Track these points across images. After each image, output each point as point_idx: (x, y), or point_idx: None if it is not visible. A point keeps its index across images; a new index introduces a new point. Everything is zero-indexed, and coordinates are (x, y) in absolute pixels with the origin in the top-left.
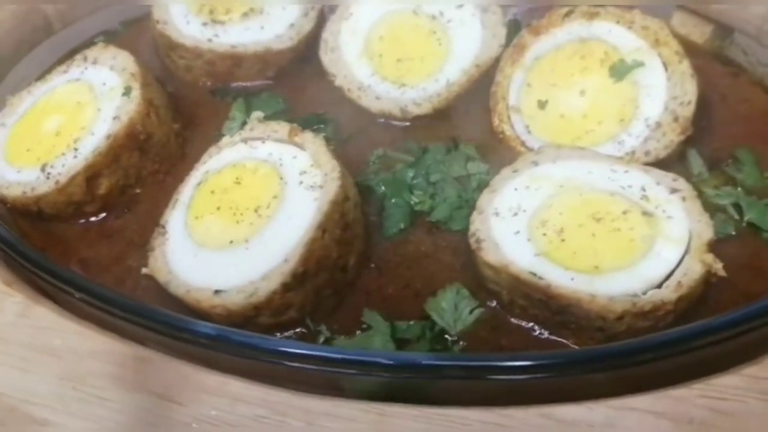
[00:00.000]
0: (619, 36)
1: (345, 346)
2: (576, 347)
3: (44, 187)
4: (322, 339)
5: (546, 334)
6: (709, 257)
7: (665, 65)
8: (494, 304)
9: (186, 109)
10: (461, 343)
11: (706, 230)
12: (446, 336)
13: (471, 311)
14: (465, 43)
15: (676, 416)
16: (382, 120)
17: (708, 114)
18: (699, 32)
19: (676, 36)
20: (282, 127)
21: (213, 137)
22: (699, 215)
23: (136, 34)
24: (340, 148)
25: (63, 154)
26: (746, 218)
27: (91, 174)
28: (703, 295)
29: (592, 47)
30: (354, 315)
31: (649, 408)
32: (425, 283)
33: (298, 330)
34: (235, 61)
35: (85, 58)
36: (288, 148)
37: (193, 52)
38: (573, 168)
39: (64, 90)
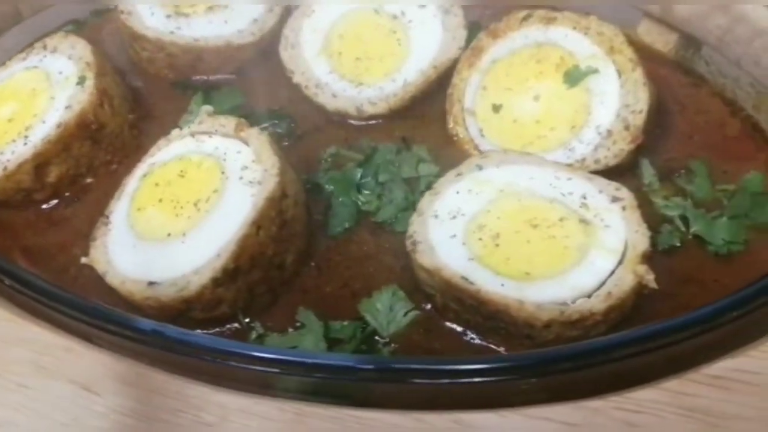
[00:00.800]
0: (575, 41)
1: (276, 342)
2: (505, 353)
3: None
4: (254, 335)
5: (477, 340)
6: (642, 268)
7: (619, 73)
8: (429, 307)
9: (145, 101)
10: (392, 345)
11: (642, 241)
12: (377, 338)
13: (405, 314)
14: (424, 44)
15: (591, 428)
16: (338, 118)
17: (665, 123)
18: (664, 41)
19: (638, 44)
20: (229, 122)
21: (169, 130)
22: (637, 225)
23: (105, 23)
24: (294, 146)
25: (13, 140)
26: (692, 230)
27: (40, 162)
28: (639, 306)
29: (548, 52)
30: (289, 313)
31: (565, 419)
32: (364, 283)
33: (232, 326)
34: (196, 54)
35: (45, 46)
36: (234, 143)
37: (155, 44)
38: (516, 173)
39: (21, 77)
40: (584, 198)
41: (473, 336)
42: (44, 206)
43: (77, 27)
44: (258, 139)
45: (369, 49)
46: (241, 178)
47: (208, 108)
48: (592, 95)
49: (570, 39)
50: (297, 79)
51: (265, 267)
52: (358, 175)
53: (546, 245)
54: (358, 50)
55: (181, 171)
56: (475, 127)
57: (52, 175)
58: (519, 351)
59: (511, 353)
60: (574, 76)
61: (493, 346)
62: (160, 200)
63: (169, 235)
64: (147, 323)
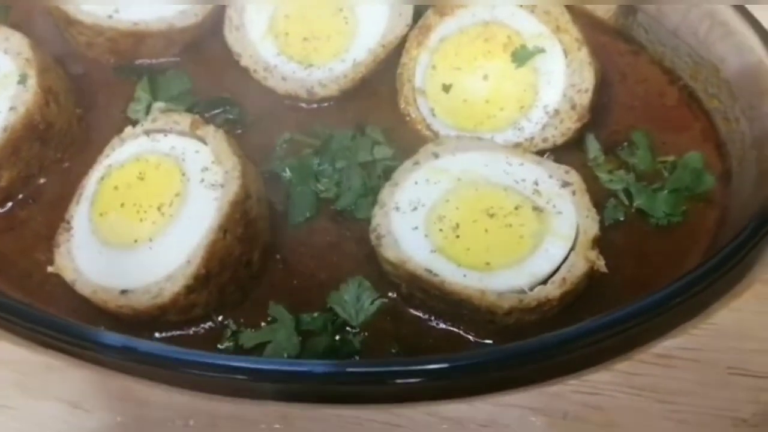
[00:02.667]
0: (521, 20)
1: (250, 339)
2: (468, 336)
3: None
4: (228, 333)
5: (442, 325)
6: (593, 254)
7: (565, 52)
8: (394, 295)
9: (89, 90)
10: (363, 334)
11: (592, 226)
12: (348, 328)
13: (372, 302)
14: (371, 21)
15: (552, 411)
16: (289, 102)
17: (608, 93)
18: (604, 8)
19: (579, 10)
20: (184, 119)
21: (117, 120)
22: (587, 210)
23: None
24: (246, 133)
25: None
26: (635, 204)
27: None
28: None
29: (495, 31)
30: (261, 308)
31: (528, 404)
32: (330, 273)
33: (206, 325)
34: (138, 38)
35: None
36: (190, 142)
37: (93, 30)
38: (471, 160)
39: None
40: (536, 184)
41: (438, 321)
42: None
43: (1, 10)
44: (215, 137)
45: (316, 29)
46: (202, 180)
47: (160, 105)
48: (540, 75)
49: (516, 17)
50: (245, 62)
51: (234, 267)
52: (316, 163)
53: (503, 234)
54: (305, 30)
55: (140, 173)
56: (426, 107)
57: (4, 179)
58: (481, 335)
59: (479, 350)
60: (521, 56)
61: (457, 330)
62: (122, 205)
63: (135, 241)
64: (115, 338)
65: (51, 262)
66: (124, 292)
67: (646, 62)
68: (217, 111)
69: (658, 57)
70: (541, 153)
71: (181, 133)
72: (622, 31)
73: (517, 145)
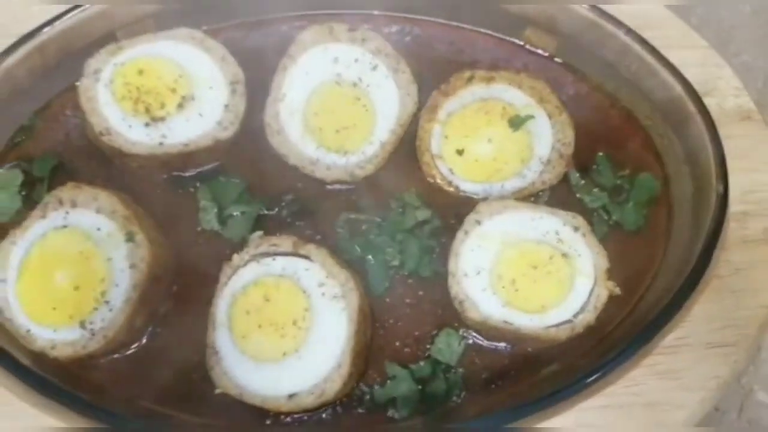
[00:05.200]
0: (512, 95)
1: (382, 395)
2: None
3: (93, 343)
4: (366, 398)
5: (510, 348)
6: (610, 284)
7: (549, 116)
8: (473, 334)
9: (156, 210)
10: (460, 369)
11: (602, 261)
12: (450, 367)
13: (459, 343)
14: (386, 104)
15: None
16: (335, 186)
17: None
18: (546, 43)
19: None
20: (284, 241)
21: (194, 234)
22: (597, 248)
23: (54, 122)
24: (308, 222)
25: (95, 309)
26: (613, 218)
27: (130, 320)
28: None
29: (492, 105)
30: (380, 370)
31: None
32: (420, 328)
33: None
34: (188, 155)
35: (60, 201)
36: (297, 261)
37: (146, 158)
38: (505, 222)
39: (55, 239)
40: (557, 234)
41: (507, 346)
42: (130, 351)
43: (28, 135)
44: (319, 253)
45: (343, 120)
46: (323, 294)
47: (258, 233)
48: (532, 135)
49: (508, 93)
50: (293, 161)
51: (365, 349)
52: (379, 238)
53: (547, 281)
54: (335, 123)
55: (264, 296)
56: (445, 168)
57: (138, 323)
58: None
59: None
60: (516, 123)
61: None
62: (260, 326)
63: (284, 354)
64: None
65: (202, 379)
66: (291, 396)
67: (590, 89)
68: (276, 209)
69: (597, 83)
70: (542, 191)
71: (286, 254)
72: (567, 63)
73: (522, 189)
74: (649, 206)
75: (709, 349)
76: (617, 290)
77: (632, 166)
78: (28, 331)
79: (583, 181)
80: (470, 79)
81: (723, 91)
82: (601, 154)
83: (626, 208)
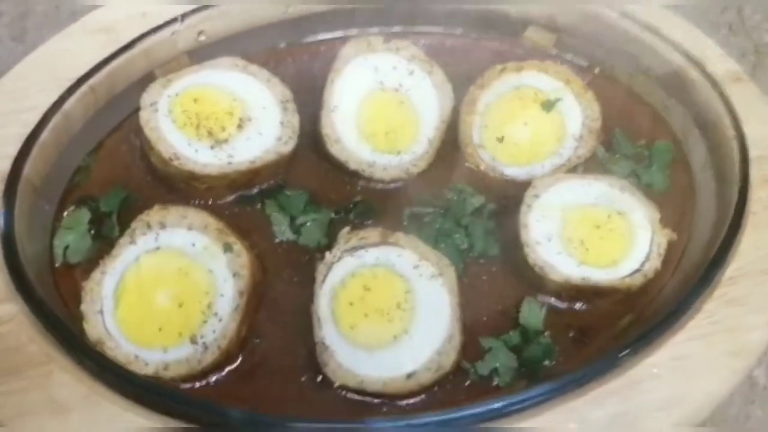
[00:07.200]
0: (541, 81)
1: (484, 367)
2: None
3: (208, 356)
4: (472, 370)
5: (586, 307)
6: (666, 231)
7: (576, 97)
8: (546, 296)
9: (230, 228)
10: (546, 333)
11: (653, 212)
12: (539, 332)
13: (541, 308)
14: (426, 104)
15: None
16: (394, 184)
17: None
18: (547, 39)
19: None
20: (371, 233)
21: (273, 245)
22: (645, 202)
23: (109, 159)
24: (376, 221)
25: (204, 321)
26: (643, 182)
27: (239, 328)
28: None
29: (524, 91)
30: (475, 346)
31: None
32: (502, 301)
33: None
34: (255, 172)
35: (148, 225)
36: (388, 249)
37: (216, 178)
38: (560, 192)
39: (150, 262)
40: (607, 195)
41: (580, 304)
42: (235, 365)
43: (85, 175)
44: (408, 240)
45: (392, 123)
46: (420, 275)
47: (346, 228)
48: (563, 115)
49: (537, 79)
50: (353, 167)
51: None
52: (445, 226)
53: (611, 238)
54: (385, 126)
55: (364, 286)
56: (487, 156)
57: (243, 330)
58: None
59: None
60: (547, 105)
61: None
62: (366, 315)
63: (395, 337)
64: None
65: (310, 380)
66: (410, 375)
67: (594, 78)
68: (343, 212)
69: (602, 71)
70: (577, 166)
71: (376, 245)
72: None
73: (561, 167)
74: (670, 168)
75: (764, 275)
76: (674, 235)
77: (647, 138)
78: (137, 356)
79: (608, 154)
80: (502, 71)
81: (712, 59)
82: (618, 129)
83: (652, 171)
